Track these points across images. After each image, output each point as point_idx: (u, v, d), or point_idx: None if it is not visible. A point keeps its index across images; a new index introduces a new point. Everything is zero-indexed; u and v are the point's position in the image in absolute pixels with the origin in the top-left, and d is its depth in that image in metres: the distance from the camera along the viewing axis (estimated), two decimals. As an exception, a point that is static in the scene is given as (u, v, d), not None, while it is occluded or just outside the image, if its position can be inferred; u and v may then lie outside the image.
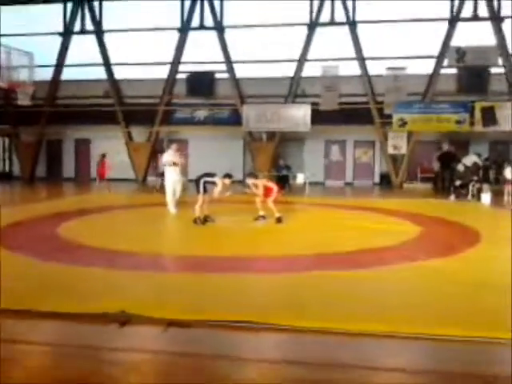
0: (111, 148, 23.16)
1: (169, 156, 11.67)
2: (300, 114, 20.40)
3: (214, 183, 9.29)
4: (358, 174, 22.43)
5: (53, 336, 3.86)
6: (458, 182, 14.88)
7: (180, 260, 6.47)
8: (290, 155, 22.21)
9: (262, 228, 9.06)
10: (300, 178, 16.64)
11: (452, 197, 14.60)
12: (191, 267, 5.97)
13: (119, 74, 23.02)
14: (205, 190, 9.24)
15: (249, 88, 21.94)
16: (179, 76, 22.56)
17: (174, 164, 11.36)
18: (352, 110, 19.95)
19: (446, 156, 17.98)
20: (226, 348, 3.59)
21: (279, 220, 9.33)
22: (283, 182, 16.74)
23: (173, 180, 11.26)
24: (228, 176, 9.35)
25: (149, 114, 21.78)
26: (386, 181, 21.48)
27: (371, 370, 3.23)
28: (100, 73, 22.81)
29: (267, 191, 9.74)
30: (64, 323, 4.01)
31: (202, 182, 9.24)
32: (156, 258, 6.48)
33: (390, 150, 20.48)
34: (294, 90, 21.41)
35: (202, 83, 21.90)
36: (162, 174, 12.04)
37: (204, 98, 22.21)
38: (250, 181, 9.81)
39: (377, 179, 22.17)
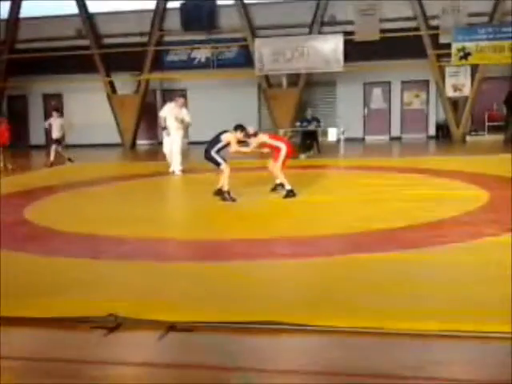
0: (89, 103, 23.35)
1: (172, 110, 12.77)
2: (329, 49, 20.15)
3: (227, 146, 9.29)
4: (407, 125, 22.21)
5: (23, 347, 3.95)
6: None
7: (184, 246, 6.56)
8: (318, 104, 22.07)
9: (284, 202, 9.13)
10: (332, 134, 16.52)
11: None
12: (198, 255, 6.06)
13: (94, 6, 22.84)
14: (224, 159, 9.31)
15: (261, 17, 21.66)
16: (171, 5, 22.33)
17: (181, 122, 12.21)
18: (398, 39, 19.60)
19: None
20: (240, 357, 3.65)
21: (289, 194, 9.17)
22: (311, 139, 16.69)
23: (172, 136, 12.67)
24: (240, 128, 9.30)
25: (135, 57, 21.72)
26: (444, 133, 21.28)
27: (420, 380, 3.27)
28: (70, 6, 22.68)
29: (273, 152, 9.51)
30: (37, 331, 4.12)
31: (213, 153, 9.21)
32: (153, 244, 6.57)
33: (450, 92, 20.19)
34: (320, 15, 21.06)
35: (200, 13, 21.65)
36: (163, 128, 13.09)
37: (204, 32, 22.01)
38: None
39: (432, 131, 21.96)
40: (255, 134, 9.56)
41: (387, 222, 7.10)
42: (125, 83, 22.92)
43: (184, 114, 12.93)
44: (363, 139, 22.25)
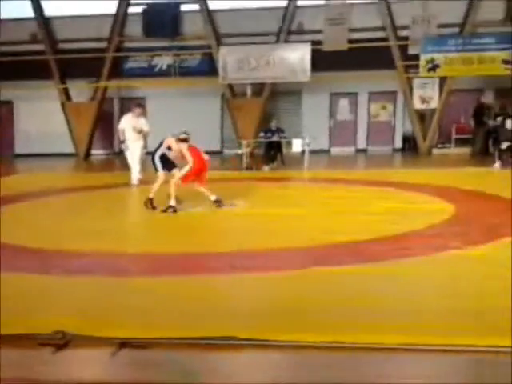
0: (42, 112, 23.05)
1: (130, 121, 12.97)
2: (296, 58, 20.35)
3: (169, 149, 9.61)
4: (373, 137, 22.53)
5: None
6: (504, 145, 15.01)
7: (137, 260, 6.49)
8: (283, 114, 22.22)
9: (244, 214, 9.16)
10: (297, 145, 16.66)
11: (497, 164, 14.75)
12: (151, 269, 6.00)
13: (50, 9, 22.63)
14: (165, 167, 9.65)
15: (227, 24, 21.78)
16: (132, 10, 22.27)
17: (139, 132, 12.26)
18: (366, 50, 19.90)
19: (480, 109, 18.06)
20: (199, 374, 3.63)
21: (168, 209, 9.14)
22: (275, 150, 16.78)
23: (132, 147, 12.94)
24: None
25: (93, 63, 21.55)
26: (410, 145, 21.64)
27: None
28: (25, 9, 22.40)
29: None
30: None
31: (157, 156, 9.63)
32: (105, 258, 6.49)
33: (417, 104, 20.57)
34: (287, 24, 21.29)
35: (163, 19, 21.67)
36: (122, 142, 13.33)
37: (167, 39, 22.00)
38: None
39: (399, 143, 22.33)
40: (183, 140, 9.51)
41: (351, 234, 7.17)
42: (81, 91, 22.72)
43: (142, 123, 13.04)
44: (329, 151, 22.46)
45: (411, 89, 20.55)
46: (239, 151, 17.37)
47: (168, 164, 9.73)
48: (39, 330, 4.11)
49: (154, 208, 9.41)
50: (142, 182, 12.87)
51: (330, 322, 4.23)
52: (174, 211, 9.18)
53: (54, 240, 7.38)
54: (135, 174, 13.09)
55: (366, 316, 4.34)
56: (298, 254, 6.46)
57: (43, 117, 23.14)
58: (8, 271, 5.80)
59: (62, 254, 6.67)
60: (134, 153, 13.01)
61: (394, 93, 22.06)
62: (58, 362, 3.82)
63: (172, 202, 9.26)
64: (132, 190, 12.68)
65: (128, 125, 12.94)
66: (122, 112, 24.13)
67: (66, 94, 22.55)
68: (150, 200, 9.56)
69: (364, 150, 22.43)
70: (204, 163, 9.61)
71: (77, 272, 5.82)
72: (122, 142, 13.17)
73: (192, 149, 9.53)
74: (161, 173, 9.68)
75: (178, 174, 9.50)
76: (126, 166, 13.53)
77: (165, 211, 9.21)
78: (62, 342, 3.99)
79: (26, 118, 23.47)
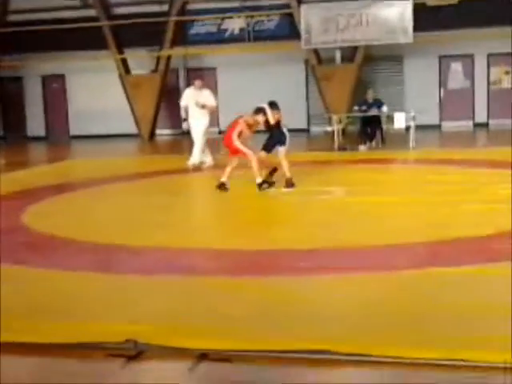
0: (97, 86, 23.71)
1: (190, 93, 13.37)
2: (395, 15, 20.02)
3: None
4: (495, 108, 21.93)
5: (28, 378, 4.04)
6: None
7: (215, 257, 6.63)
8: (381, 84, 21.92)
9: (338, 202, 9.20)
10: (400, 120, 16.37)
11: None
12: (232, 268, 6.10)
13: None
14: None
15: (310, -23, 21.65)
16: (197, -36, 22.54)
17: (203, 107, 12.42)
18: (481, 1, 19.33)
19: None
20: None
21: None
22: (373, 126, 16.61)
23: (195, 125, 13.31)
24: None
25: (153, 29, 21.95)
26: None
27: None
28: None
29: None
30: (44, 360, 4.20)
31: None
32: (179, 255, 6.66)
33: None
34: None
35: (233, -27, 21.91)
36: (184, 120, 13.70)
37: (237, -2, 22.17)
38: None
39: (528, 115, 21.59)
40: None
41: (467, 228, 7.10)
42: (141, 61, 23.21)
43: (206, 96, 13.34)
44: (439, 126, 22.04)
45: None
46: (329, 128, 17.30)
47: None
48: (108, 338, 4.25)
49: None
50: (211, 166, 13.06)
51: (451, 335, 4.16)
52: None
53: (118, 234, 7.60)
54: (196, 156, 13.34)
55: (494, 328, 4.24)
56: (404, 252, 6.42)
57: (99, 92, 23.78)
58: (68, 269, 6.04)
59: (128, 249, 6.88)
60: (198, 131, 13.30)
61: (518, 54, 21.37)
62: (129, 375, 3.94)
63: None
64: (199, 174, 12.91)
65: (190, 100, 13.27)
66: (189, 84, 24.57)
67: (124, 65, 23.08)
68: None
69: (484, 125, 21.86)
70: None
71: (147, 271, 5.98)
72: (185, 119, 13.51)
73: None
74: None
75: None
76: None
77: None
78: (133, 352, 4.11)
79: (80, 94, 24.21)
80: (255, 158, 10.20)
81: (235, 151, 10.35)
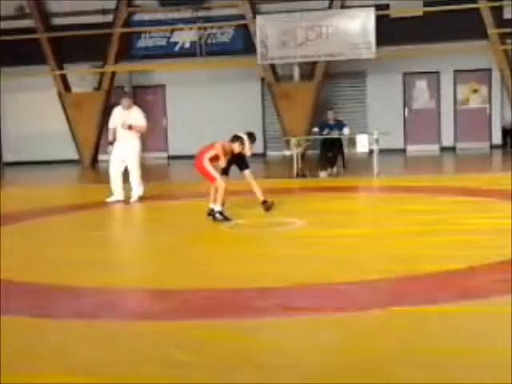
0: (34, 106, 23.49)
1: (118, 114, 12.89)
2: (357, 28, 20.29)
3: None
4: (463, 130, 22.29)
5: None
6: None
7: (162, 298, 6.55)
8: (343, 103, 22.19)
9: (298, 235, 9.22)
10: (362, 144, 16.55)
11: None
12: (181, 310, 6.04)
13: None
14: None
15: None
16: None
17: (129, 128, 12.17)
18: (447, 15, 19.73)
19: None
20: None
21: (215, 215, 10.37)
22: (333, 151, 16.72)
23: (121, 153, 12.82)
24: (239, 138, 10.67)
25: (96, 42, 21.88)
26: (512, 140, 21.31)
27: None
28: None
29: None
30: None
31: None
32: (122, 296, 6.61)
33: (520, 85, 20.27)
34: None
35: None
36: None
37: (189, 9, 22.21)
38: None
39: (497, 138, 22.03)
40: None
41: (440, 261, 7.12)
42: (82, 78, 23.08)
43: (135, 116, 12.90)
44: (404, 150, 22.31)
45: (510, 64, 20.28)
46: (287, 152, 17.39)
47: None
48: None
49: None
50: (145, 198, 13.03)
51: (421, 381, 4.18)
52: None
53: (55, 272, 7.49)
54: (135, 188, 12.99)
55: (467, 373, 4.27)
56: (369, 290, 6.43)
57: (36, 113, 23.56)
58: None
59: (66, 290, 6.77)
60: (129, 158, 12.84)
61: (488, 70, 21.84)
62: None
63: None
64: (135, 207, 12.83)
65: (118, 121, 12.83)
66: (136, 104, 24.38)
67: (63, 82, 22.94)
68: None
69: (451, 149, 22.20)
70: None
71: (87, 315, 5.90)
72: (111, 143, 12.98)
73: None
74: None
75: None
76: (145, 175, 13.56)
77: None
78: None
79: (15, 115, 23.93)
80: (223, 186, 10.27)
81: (205, 174, 10.51)
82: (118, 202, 12.76)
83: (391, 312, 5.60)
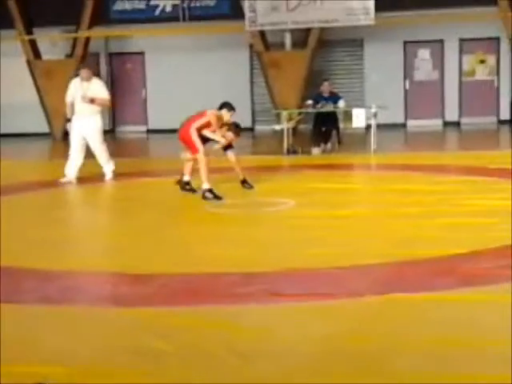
0: (0, 73, 23.34)
1: (77, 86, 12.64)
2: (354, -7, 20.22)
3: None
4: (469, 104, 22.31)
5: None
6: None
7: (139, 282, 6.57)
8: (338, 74, 22.15)
9: (290, 215, 9.25)
10: (359, 118, 16.53)
11: None
12: (161, 296, 6.07)
13: None
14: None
15: None
16: None
17: (91, 101, 12.29)
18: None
19: None
20: None
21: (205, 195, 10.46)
22: (328, 125, 16.71)
23: (81, 129, 12.57)
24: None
25: (68, 5, 21.73)
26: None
27: None
28: None
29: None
30: None
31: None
32: (95, 280, 6.68)
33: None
34: None
35: None
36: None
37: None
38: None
39: (506, 113, 22.04)
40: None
41: (438, 246, 7.17)
42: (54, 44, 22.93)
43: (96, 88, 12.66)
44: (404, 125, 22.34)
45: (522, 34, 20.31)
46: (278, 127, 17.38)
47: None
48: (15, 381, 4.19)
49: (219, 198, 10.34)
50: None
51: (416, 371, 4.23)
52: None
53: (24, 254, 7.51)
54: (106, 164, 12.88)
55: (466, 364, 4.33)
56: (364, 275, 6.48)
57: (2, 82, 23.40)
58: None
59: (34, 273, 6.78)
60: (92, 135, 12.62)
61: (496, 39, 21.83)
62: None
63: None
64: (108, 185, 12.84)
65: (77, 94, 12.54)
66: (113, 72, 24.50)
67: (33, 48, 22.77)
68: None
69: (456, 124, 22.24)
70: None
71: (57, 301, 5.92)
72: (68, 120, 12.73)
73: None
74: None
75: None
76: (119, 150, 13.55)
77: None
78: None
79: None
80: (206, 160, 10.32)
81: (189, 144, 10.56)
82: (70, 183, 12.56)
83: (386, 299, 5.65)
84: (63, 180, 12.53)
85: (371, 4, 19.99)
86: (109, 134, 22.89)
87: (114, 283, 6.62)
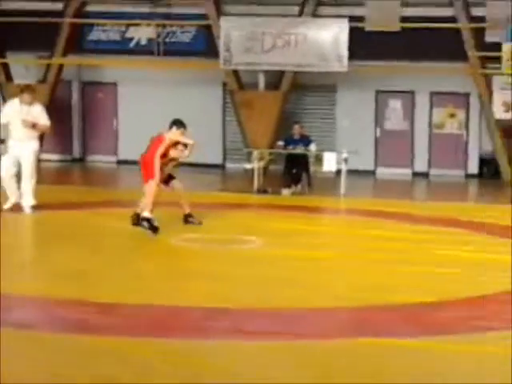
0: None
1: (15, 108, 12.15)
2: (328, 39, 20.37)
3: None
4: (438, 156, 22.45)
5: None
6: None
7: (105, 310, 6.53)
8: (310, 117, 22.23)
9: (256, 255, 9.25)
10: (330, 162, 16.59)
11: None
12: (128, 327, 6.03)
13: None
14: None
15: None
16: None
17: (33, 127, 11.92)
18: (426, 32, 19.94)
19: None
20: None
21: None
22: (298, 168, 16.74)
23: (17, 153, 12.06)
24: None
25: (44, 31, 21.70)
26: (490, 170, 21.52)
27: None
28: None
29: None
30: None
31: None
32: (63, 305, 6.58)
33: (499, 112, 20.55)
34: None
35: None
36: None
37: (148, 2, 22.17)
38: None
39: (474, 167, 22.23)
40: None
41: (406, 293, 7.23)
42: (27, 69, 22.83)
43: (36, 113, 12.22)
44: (374, 172, 22.41)
45: (491, 91, 20.57)
46: (249, 166, 17.38)
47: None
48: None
49: (154, 229, 10.16)
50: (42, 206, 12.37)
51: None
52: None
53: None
54: (27, 196, 12.10)
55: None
56: (333, 317, 6.51)
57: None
58: None
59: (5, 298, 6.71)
60: (25, 159, 12.07)
61: (466, 95, 22.03)
62: None
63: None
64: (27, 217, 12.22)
65: (15, 116, 12.04)
66: (84, 101, 24.40)
67: (5, 72, 22.66)
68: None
69: (425, 174, 22.33)
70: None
71: (27, 325, 5.92)
72: (1, 141, 12.40)
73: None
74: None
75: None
76: (88, 179, 13.28)
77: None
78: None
79: None
80: (156, 190, 10.29)
81: (148, 169, 10.53)
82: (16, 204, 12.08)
83: (355, 342, 5.67)
84: (7, 206, 11.99)
85: (345, 52, 20.13)
86: (79, 162, 22.92)
87: (78, 310, 6.55)
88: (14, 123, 12.03)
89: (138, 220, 10.40)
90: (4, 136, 12.33)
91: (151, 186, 10.27)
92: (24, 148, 12.02)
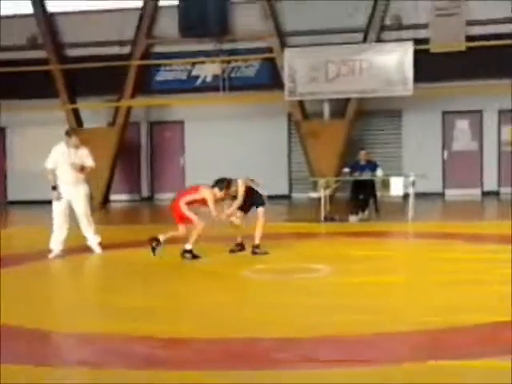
0: (43, 141, 23.63)
1: (63, 152, 12.20)
2: (393, 63, 20.38)
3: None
4: (507, 174, 22.13)
5: None
6: None
7: (174, 345, 6.50)
8: (376, 143, 22.17)
9: (320, 282, 9.28)
10: (397, 186, 16.50)
11: None
12: (198, 360, 6.00)
13: (54, 3, 23.38)
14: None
15: (294, 18, 22.04)
16: (164, 3, 22.85)
17: (81, 169, 12.03)
18: (492, 50, 19.77)
19: None
20: None
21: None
22: (365, 193, 16.66)
23: (70, 196, 12.13)
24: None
25: (111, 75, 22.12)
26: None
27: None
28: (22, 4, 23.18)
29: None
30: None
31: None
32: (131, 342, 6.59)
33: None
34: (379, 17, 21.39)
35: (206, 13, 22.13)
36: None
37: (212, 40, 22.44)
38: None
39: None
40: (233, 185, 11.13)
41: (479, 313, 7.08)
42: (96, 112, 23.26)
43: (83, 156, 12.24)
44: (443, 194, 22.19)
45: None
46: (315, 195, 17.35)
47: None
48: None
49: (195, 257, 10.85)
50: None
51: None
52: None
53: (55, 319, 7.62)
54: (90, 235, 12.34)
55: None
56: (405, 341, 6.39)
57: (46, 149, 23.58)
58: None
59: (70, 337, 6.84)
60: (78, 203, 12.14)
61: (536, 112, 21.76)
62: None
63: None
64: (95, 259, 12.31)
65: (62, 161, 12.11)
66: (152, 140, 24.69)
67: (76, 116, 23.13)
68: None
69: (495, 193, 22.04)
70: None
71: (96, 363, 5.91)
72: (54, 188, 12.15)
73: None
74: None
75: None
76: (157, 217, 13.43)
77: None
78: None
79: (23, 151, 24.09)
80: (201, 226, 10.79)
81: (181, 218, 10.98)
82: (58, 257, 12.05)
83: (427, 366, 5.51)
84: (51, 255, 12.02)
85: (410, 75, 20.08)
86: (147, 201, 23.19)
87: (147, 346, 6.53)
88: (61, 167, 12.09)
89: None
90: (54, 182, 12.11)
91: (197, 225, 10.81)
92: (75, 192, 12.13)
